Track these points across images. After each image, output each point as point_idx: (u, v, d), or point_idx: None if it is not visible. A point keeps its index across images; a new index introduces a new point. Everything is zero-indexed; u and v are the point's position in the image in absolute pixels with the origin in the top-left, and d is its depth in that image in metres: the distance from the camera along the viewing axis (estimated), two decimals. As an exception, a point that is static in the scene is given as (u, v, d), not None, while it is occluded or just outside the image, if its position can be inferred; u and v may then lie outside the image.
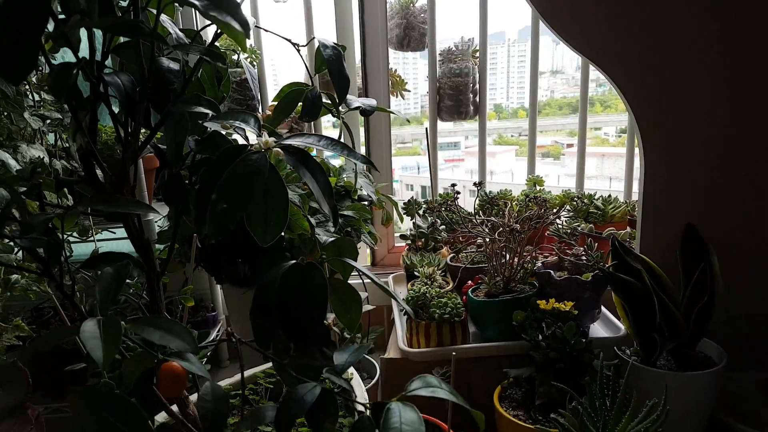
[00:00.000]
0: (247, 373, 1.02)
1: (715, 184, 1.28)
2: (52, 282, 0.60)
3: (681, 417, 1.18)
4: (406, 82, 1.82)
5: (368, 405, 0.50)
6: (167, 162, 0.70)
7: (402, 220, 1.65)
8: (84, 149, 0.63)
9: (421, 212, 1.66)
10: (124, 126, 0.64)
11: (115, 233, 1.15)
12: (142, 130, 0.67)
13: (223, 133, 0.71)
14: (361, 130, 1.84)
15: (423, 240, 1.61)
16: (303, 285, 0.52)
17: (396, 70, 1.82)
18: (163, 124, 0.66)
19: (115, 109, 0.67)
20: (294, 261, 0.53)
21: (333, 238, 0.63)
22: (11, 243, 0.73)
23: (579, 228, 1.47)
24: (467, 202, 1.70)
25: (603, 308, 1.36)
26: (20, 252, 0.84)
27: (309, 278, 0.53)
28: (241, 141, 0.68)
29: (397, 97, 1.80)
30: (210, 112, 0.63)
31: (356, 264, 0.62)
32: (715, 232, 1.28)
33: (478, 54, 1.75)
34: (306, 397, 0.49)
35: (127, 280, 0.98)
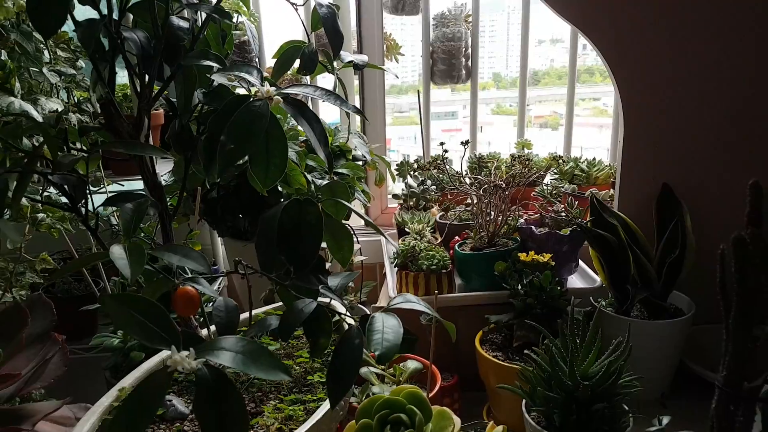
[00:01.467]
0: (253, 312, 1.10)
1: (691, 147, 1.35)
2: (77, 216, 0.68)
3: (651, 363, 1.28)
4: (401, 46, 1.87)
5: (356, 318, 0.58)
6: (177, 113, 0.77)
7: (394, 180, 1.73)
8: (104, 99, 0.70)
9: (412, 173, 1.73)
10: (140, 77, 0.70)
11: (123, 186, 1.22)
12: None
13: (228, 86, 0.77)
14: (357, 98, 1.89)
15: (414, 199, 1.68)
16: (300, 217, 0.60)
17: (391, 34, 1.86)
18: (174, 77, 0.73)
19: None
20: (293, 197, 0.61)
21: (328, 181, 0.70)
22: (37, 186, 0.80)
23: (563, 188, 1.54)
24: (462, 168, 1.77)
25: (581, 263, 1.45)
26: (42, 195, 0.92)
27: (306, 212, 0.60)
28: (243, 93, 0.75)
29: (391, 60, 1.85)
30: (217, 66, 0.69)
31: (348, 204, 0.69)
32: (689, 191, 1.36)
33: (470, 19, 1.80)
34: (304, 309, 0.57)
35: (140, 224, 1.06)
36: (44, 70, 0.92)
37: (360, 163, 1.50)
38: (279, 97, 0.63)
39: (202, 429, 0.45)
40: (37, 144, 0.84)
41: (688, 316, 1.27)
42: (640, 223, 1.33)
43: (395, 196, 1.73)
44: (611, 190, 1.69)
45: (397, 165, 1.74)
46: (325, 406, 0.70)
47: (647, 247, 1.32)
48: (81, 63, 1.08)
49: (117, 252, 0.56)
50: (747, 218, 0.60)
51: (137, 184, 1.28)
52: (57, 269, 0.96)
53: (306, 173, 1.30)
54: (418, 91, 1.76)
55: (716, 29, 1.28)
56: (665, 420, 0.81)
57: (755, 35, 1.28)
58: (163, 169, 1.31)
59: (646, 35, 1.30)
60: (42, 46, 0.93)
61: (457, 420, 0.71)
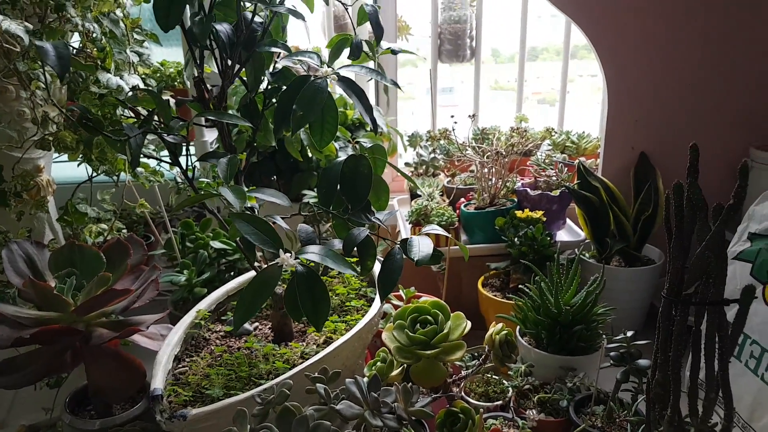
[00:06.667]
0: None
1: (666, 120, 1.56)
2: (179, 168, 0.88)
3: (626, 304, 1.51)
4: (411, 27, 2.06)
5: (397, 241, 0.79)
6: (248, 89, 0.97)
7: (406, 149, 1.93)
8: (197, 77, 0.90)
9: (422, 144, 1.94)
10: (224, 60, 0.90)
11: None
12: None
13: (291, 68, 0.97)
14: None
15: (424, 167, 1.89)
16: (356, 168, 0.81)
17: (402, 16, 2.05)
18: (249, 61, 0.93)
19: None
20: (352, 153, 0.82)
21: (371, 144, 0.91)
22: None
23: (554, 157, 1.75)
24: (468, 139, 1.96)
25: (568, 221, 1.67)
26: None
27: (361, 164, 0.81)
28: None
29: (402, 39, 2.04)
30: (284, 52, 0.89)
31: (387, 160, 0.90)
32: (663, 159, 1.57)
33: (475, 3, 1.98)
34: (359, 234, 0.78)
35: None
36: (127, 50, 1.12)
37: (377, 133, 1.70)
38: (335, 75, 0.83)
39: (301, 303, 0.67)
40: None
41: (658, 264, 1.50)
42: (620, 186, 1.55)
43: (407, 164, 1.94)
44: (598, 159, 1.91)
45: (408, 136, 1.94)
46: (368, 315, 0.91)
47: (625, 207, 1.54)
48: (147, 45, 1.28)
49: (224, 191, 0.77)
50: (687, 171, 0.81)
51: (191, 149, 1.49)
52: (138, 209, 1.17)
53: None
54: (430, 70, 1.95)
55: (678, 16, 1.48)
56: (629, 333, 1.04)
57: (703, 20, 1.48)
58: (212, 136, 1.51)
59: (629, 20, 1.49)
60: (126, 31, 1.12)
61: (468, 323, 0.94)
